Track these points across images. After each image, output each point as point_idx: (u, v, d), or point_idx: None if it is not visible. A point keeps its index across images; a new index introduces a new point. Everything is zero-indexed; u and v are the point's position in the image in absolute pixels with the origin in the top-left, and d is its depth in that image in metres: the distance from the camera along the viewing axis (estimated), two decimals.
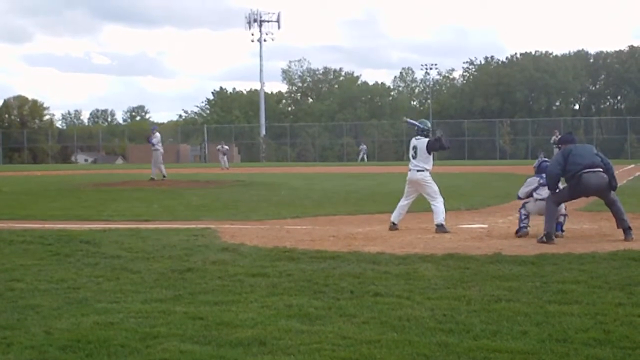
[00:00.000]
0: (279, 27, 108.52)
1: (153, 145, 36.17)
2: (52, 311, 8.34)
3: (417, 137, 15.74)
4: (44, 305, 8.64)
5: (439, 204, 15.40)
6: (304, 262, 11.36)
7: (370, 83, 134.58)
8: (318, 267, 10.95)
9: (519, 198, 15.05)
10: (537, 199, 14.47)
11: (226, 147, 66.03)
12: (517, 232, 14.45)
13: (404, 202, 15.90)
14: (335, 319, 7.89)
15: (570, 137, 14.54)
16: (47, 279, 10.36)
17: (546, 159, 15.35)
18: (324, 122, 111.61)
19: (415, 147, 15.69)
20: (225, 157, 62.55)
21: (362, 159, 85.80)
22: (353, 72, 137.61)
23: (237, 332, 7.32)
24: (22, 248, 13.30)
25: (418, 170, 15.61)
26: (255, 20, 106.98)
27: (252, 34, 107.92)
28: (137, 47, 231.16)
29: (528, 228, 14.43)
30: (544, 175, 14.25)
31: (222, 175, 43.38)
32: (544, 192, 14.19)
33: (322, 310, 8.23)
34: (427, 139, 15.64)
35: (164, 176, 35.56)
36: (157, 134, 36.86)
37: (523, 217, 14.49)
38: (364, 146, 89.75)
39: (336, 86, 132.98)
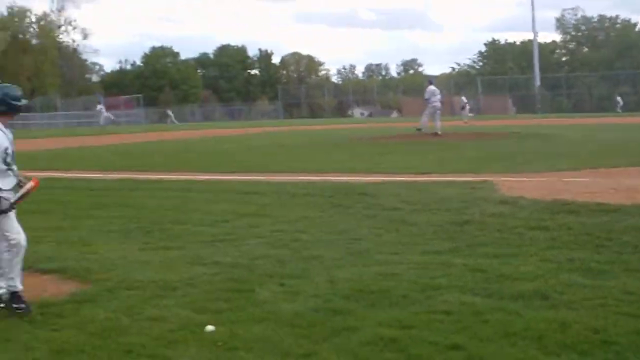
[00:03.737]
0: None
1: (426, 99, 35.97)
2: (334, 261, 8.62)
3: None
4: (327, 255, 8.94)
5: None
6: (583, 215, 11.03)
7: None
8: (599, 220, 10.60)
9: None
10: None
11: (464, 99, 64.13)
12: None
13: None
14: (619, 273, 7.64)
15: None
16: (329, 230, 10.71)
17: None
18: (601, 71, 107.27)
19: None
20: (465, 111, 60.67)
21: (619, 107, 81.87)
22: (630, 20, 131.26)
23: (518, 285, 7.25)
24: (305, 200, 13.80)
25: None
26: None
27: None
28: (403, 1, 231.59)
29: None
30: None
31: (498, 127, 42.80)
32: None
33: (605, 265, 7.99)
34: None
35: (418, 129, 35.25)
36: (429, 87, 36.59)
37: None
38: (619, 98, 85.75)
39: (612, 34, 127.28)
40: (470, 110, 66.72)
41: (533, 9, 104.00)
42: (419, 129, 35.30)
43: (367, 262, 8.51)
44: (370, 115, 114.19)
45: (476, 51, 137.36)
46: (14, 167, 7.12)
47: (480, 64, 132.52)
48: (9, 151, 7.05)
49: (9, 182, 6.99)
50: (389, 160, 22.00)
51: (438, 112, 35.48)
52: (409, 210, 12.17)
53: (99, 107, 65.65)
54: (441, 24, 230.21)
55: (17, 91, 7.43)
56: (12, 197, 6.92)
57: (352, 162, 21.92)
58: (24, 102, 7.41)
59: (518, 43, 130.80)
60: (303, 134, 44.46)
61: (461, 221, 10.90)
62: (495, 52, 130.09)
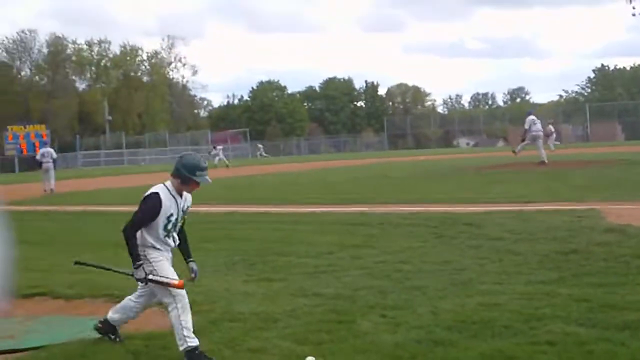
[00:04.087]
0: None
1: (526, 129, 35.56)
2: (437, 292, 8.58)
3: None
4: (430, 286, 8.90)
5: None
6: None
7: None
8: None
9: None
10: None
11: (551, 127, 55.20)
12: None
13: None
14: None
15: None
16: (432, 260, 10.68)
17: None
18: None
19: None
20: (551, 139, 52.48)
21: None
22: None
23: (624, 315, 7.09)
24: (408, 230, 13.80)
25: None
26: None
27: (634, 7, 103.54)
28: (509, 30, 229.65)
29: None
30: None
31: (606, 155, 41.96)
32: None
33: None
34: None
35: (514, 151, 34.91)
36: (529, 117, 36.08)
37: None
38: None
39: None
40: (578, 138, 65.17)
41: None
42: (514, 151, 35.20)
43: (470, 293, 8.45)
44: (476, 144, 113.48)
45: (584, 78, 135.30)
46: (174, 235, 6.97)
47: (589, 90, 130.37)
48: (172, 219, 6.81)
49: (162, 250, 6.84)
50: (495, 189, 21.79)
51: (539, 140, 35.04)
52: (513, 239, 12.04)
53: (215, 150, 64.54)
54: (549, 51, 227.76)
55: (195, 161, 6.85)
56: (153, 275, 6.66)
57: (457, 192, 21.80)
58: (201, 179, 6.77)
59: (628, 68, 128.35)
60: (408, 165, 44.47)
61: (567, 250, 10.73)
62: (604, 78, 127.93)
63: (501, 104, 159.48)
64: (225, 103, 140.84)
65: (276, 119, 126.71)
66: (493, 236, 12.47)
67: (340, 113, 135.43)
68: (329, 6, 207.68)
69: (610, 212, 14.65)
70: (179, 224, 7.00)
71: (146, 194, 6.81)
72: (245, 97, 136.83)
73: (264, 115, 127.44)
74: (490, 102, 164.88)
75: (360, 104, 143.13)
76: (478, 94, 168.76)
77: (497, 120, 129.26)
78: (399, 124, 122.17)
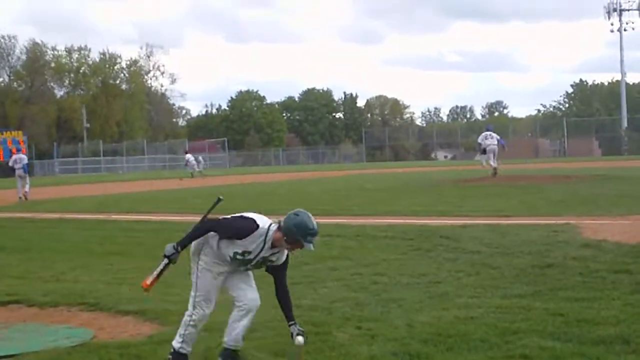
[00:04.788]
0: None
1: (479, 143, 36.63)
2: (413, 304, 8.59)
3: None
4: (406, 298, 8.92)
5: None
6: None
7: None
8: None
9: None
10: None
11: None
12: None
13: None
14: None
15: None
16: (408, 273, 10.70)
17: None
18: None
19: None
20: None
21: None
22: None
23: (599, 330, 7.12)
24: (385, 243, 13.81)
25: None
26: (614, 10, 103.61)
27: (612, 24, 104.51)
28: (488, 43, 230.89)
29: None
30: None
31: (583, 170, 42.19)
32: None
33: None
34: None
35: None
36: (484, 132, 36.90)
37: None
38: None
39: None
40: (555, 153, 65.51)
41: (621, 49, 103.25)
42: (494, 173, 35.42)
43: (447, 306, 8.46)
44: (454, 157, 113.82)
45: (562, 92, 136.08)
46: (242, 268, 6.60)
47: (567, 105, 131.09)
48: (247, 256, 6.40)
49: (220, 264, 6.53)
50: (472, 203, 21.84)
51: (491, 154, 35.78)
52: (490, 253, 12.08)
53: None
54: (527, 65, 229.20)
55: (311, 225, 6.32)
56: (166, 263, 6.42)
57: (434, 205, 21.82)
58: (308, 245, 6.30)
59: (605, 84, 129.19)
60: (386, 177, 44.50)
61: (543, 265, 10.77)
62: (582, 93, 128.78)
63: (480, 117, 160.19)
64: (203, 112, 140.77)
65: (255, 128, 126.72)
66: (470, 249, 12.50)
67: (318, 124, 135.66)
68: (309, 17, 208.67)
69: (586, 227, 14.72)
70: (250, 267, 6.63)
71: (250, 215, 6.54)
72: (224, 107, 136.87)
73: (243, 124, 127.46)
74: (468, 116, 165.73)
75: (339, 115, 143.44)
76: (457, 107, 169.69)
77: (475, 133, 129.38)
78: (377, 136, 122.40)
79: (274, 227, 6.39)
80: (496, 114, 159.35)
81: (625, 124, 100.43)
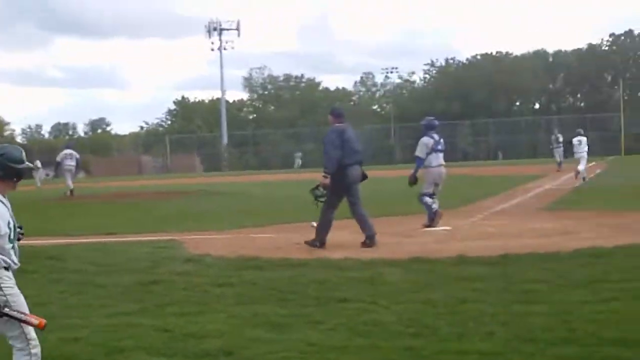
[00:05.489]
0: (238, 35, 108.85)
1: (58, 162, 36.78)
2: None
3: None
4: None
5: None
6: (269, 271, 11.39)
7: (332, 89, 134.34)
8: (283, 274, 10.98)
9: None
10: None
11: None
12: None
13: None
14: (302, 326, 7.92)
15: None
16: None
17: None
18: (285, 129, 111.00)
19: None
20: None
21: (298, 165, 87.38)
22: (314, 78, 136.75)
23: (204, 343, 7.32)
24: None
25: None
26: (215, 29, 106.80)
27: (212, 42, 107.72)
28: (91, 59, 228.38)
29: None
30: None
31: (186, 186, 43.16)
32: None
33: (289, 318, 8.26)
34: None
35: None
36: (64, 151, 37.07)
37: None
38: (299, 153, 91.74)
39: (297, 93, 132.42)
40: (158, 170, 66.18)
41: (222, 67, 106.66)
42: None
43: (51, 327, 8.20)
44: (56, 176, 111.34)
45: (165, 109, 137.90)
46: (16, 245, 5.84)
47: (169, 122, 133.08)
48: (11, 225, 5.76)
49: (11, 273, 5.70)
50: (77, 221, 21.50)
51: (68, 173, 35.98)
52: (95, 272, 11.95)
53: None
54: (129, 82, 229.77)
55: (17, 152, 5.93)
56: (9, 304, 5.56)
57: (39, 223, 21.14)
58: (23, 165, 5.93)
59: (206, 101, 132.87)
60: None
61: (148, 281, 10.86)
62: (184, 110, 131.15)
63: (82, 134, 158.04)
64: None
65: None
66: (75, 269, 12.29)
67: None
68: None
69: (190, 242, 15.10)
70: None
71: None
72: None
73: None
74: (71, 132, 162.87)
75: None
76: (59, 123, 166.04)
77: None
78: None
79: None
80: (99, 130, 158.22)
81: (225, 140, 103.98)
